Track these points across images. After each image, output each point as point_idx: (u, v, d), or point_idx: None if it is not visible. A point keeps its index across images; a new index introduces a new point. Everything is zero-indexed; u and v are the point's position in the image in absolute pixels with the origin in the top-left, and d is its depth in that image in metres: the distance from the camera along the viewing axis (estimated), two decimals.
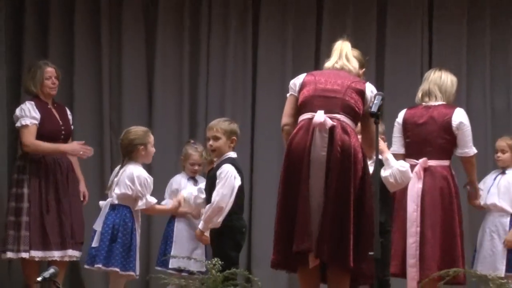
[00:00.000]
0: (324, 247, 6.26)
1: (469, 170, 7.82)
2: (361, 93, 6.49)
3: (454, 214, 7.97)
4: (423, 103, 8.04)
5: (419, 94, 8.21)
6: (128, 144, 7.89)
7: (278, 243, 6.63)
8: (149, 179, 7.76)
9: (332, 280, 6.50)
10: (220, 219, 7.39)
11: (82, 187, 8.98)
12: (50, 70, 8.60)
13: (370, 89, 6.52)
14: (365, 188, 6.40)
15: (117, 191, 7.69)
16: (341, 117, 6.39)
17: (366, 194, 6.41)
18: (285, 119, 6.69)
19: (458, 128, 7.52)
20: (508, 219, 8.87)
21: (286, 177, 6.53)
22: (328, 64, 6.79)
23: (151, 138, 8.05)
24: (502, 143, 8.85)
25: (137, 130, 8.13)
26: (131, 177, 7.66)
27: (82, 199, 8.91)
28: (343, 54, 6.76)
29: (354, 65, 6.75)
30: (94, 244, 7.63)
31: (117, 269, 7.45)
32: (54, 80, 8.64)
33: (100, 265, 7.51)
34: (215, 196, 7.40)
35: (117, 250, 7.66)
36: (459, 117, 7.69)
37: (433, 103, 7.82)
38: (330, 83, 6.58)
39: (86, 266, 7.88)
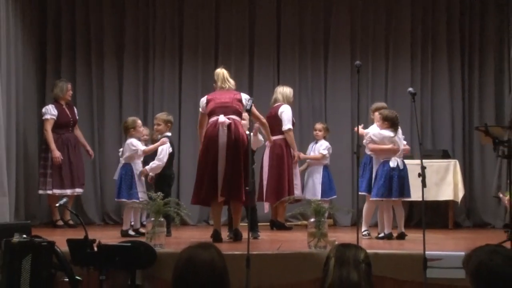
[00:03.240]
0: (227, 190, 8.41)
1: (288, 139, 10.43)
2: (240, 100, 8.68)
3: (284, 166, 10.50)
4: (274, 105, 10.69)
5: (272, 100, 10.81)
6: (125, 128, 9.80)
7: (197, 191, 8.64)
8: (135, 142, 9.46)
9: (233, 207, 8.75)
10: (159, 170, 9.62)
11: (89, 149, 11.00)
12: (69, 86, 10.83)
13: (244, 97, 8.70)
14: (247, 155, 8.20)
15: (124, 155, 9.54)
16: (233, 117, 8.52)
17: (247, 158, 8.20)
18: (200, 124, 8.91)
19: (281, 115, 10.30)
20: (321, 168, 11.04)
21: (204, 152, 8.60)
22: (220, 85, 8.83)
23: (138, 123, 9.78)
24: (318, 125, 11.19)
25: (128, 119, 9.92)
26: (128, 143, 9.47)
27: (90, 154, 10.98)
28: (225, 78, 8.88)
29: (232, 83, 8.93)
30: (116, 189, 9.59)
31: (125, 199, 9.48)
32: (70, 92, 10.85)
33: (116, 199, 9.71)
34: (159, 155, 9.60)
35: (124, 189, 9.50)
36: (282, 108, 10.51)
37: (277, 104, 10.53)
38: (224, 98, 8.66)
39: (116, 199, 9.78)
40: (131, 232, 9.37)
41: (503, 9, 11.70)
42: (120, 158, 9.93)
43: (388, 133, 9.12)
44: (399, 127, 9.21)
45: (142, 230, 9.37)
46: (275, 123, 10.38)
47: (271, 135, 10.18)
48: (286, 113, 10.48)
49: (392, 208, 9.15)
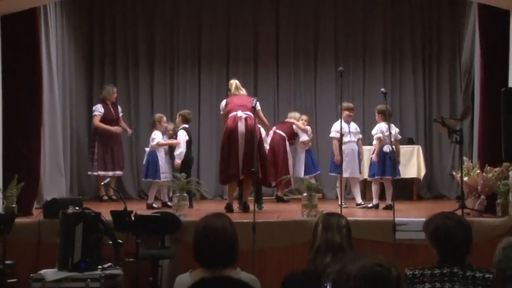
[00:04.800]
0: (246, 171, 8.34)
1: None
2: (250, 101, 8.53)
3: (280, 154, 10.50)
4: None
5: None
6: (151, 123, 10.16)
7: (225, 171, 8.64)
8: (155, 134, 9.72)
9: (246, 184, 8.68)
10: (183, 155, 9.70)
11: (128, 128, 10.90)
12: (115, 90, 10.81)
13: (253, 100, 8.29)
14: (261, 144, 8.65)
15: (151, 144, 9.87)
16: (248, 113, 8.49)
17: (261, 146, 8.63)
18: (224, 121, 8.79)
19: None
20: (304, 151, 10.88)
21: (227, 140, 8.57)
22: (234, 92, 8.93)
23: (163, 119, 10.06)
24: (304, 117, 11.00)
25: (155, 115, 10.27)
26: (152, 136, 9.82)
27: (128, 131, 10.86)
28: (237, 87, 9.03)
29: (243, 90, 9.05)
30: (144, 171, 9.92)
31: (150, 179, 9.84)
32: (115, 94, 10.79)
33: (144, 179, 10.13)
34: (179, 148, 9.71)
35: (150, 171, 9.85)
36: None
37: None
38: (239, 101, 8.72)
39: (143, 179, 10.23)
40: (154, 205, 9.49)
41: (455, 25, 11.63)
42: (145, 148, 10.20)
43: (384, 125, 9.14)
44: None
45: (169, 203, 9.40)
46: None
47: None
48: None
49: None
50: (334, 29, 12.12)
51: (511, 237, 3.14)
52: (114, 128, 10.55)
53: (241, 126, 8.46)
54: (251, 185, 8.66)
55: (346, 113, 9.61)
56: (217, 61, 12.02)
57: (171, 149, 9.97)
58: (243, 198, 8.78)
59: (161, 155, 9.86)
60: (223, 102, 8.92)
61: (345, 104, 9.66)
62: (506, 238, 3.32)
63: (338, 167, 9.14)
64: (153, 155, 9.86)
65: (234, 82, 9.04)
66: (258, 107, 8.54)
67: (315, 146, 11.65)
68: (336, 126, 9.38)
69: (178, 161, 9.67)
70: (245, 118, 8.47)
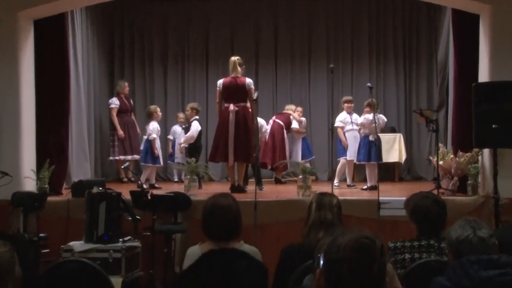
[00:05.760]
0: (237, 156, 8.26)
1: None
2: (244, 85, 8.25)
3: (277, 141, 10.37)
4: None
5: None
6: (148, 113, 10.19)
7: (211, 154, 8.59)
8: (152, 125, 9.76)
9: (239, 168, 8.47)
10: (191, 140, 9.77)
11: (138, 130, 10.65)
12: (126, 84, 10.81)
13: (247, 81, 8.25)
14: (251, 131, 8.18)
15: (148, 134, 9.92)
16: (241, 105, 8.20)
17: (251, 132, 8.18)
18: (219, 98, 8.42)
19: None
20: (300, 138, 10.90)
21: (219, 129, 8.39)
22: (231, 73, 8.32)
23: (158, 109, 10.10)
24: (299, 108, 10.87)
25: (150, 107, 10.31)
26: (148, 126, 9.90)
27: (139, 132, 10.64)
28: (235, 65, 8.33)
29: (239, 70, 8.31)
30: (142, 156, 10.02)
31: (150, 164, 9.96)
32: (127, 88, 10.77)
33: (142, 163, 10.08)
34: (191, 132, 9.76)
35: (149, 156, 9.98)
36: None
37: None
38: (232, 89, 8.23)
39: (141, 163, 10.15)
40: (144, 186, 9.20)
41: (432, 28, 11.57)
42: (143, 136, 10.25)
43: (370, 116, 9.00)
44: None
45: (156, 185, 9.68)
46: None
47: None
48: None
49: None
50: (326, 31, 12.08)
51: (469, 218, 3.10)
52: (120, 133, 10.33)
53: (232, 119, 8.19)
54: (244, 170, 8.54)
55: (346, 105, 9.70)
56: (223, 59, 11.66)
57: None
58: (238, 180, 8.50)
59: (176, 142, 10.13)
60: (220, 82, 8.48)
61: (345, 98, 9.79)
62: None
63: (345, 151, 9.40)
64: (150, 143, 9.96)
65: (232, 61, 8.44)
66: (254, 98, 8.22)
67: (309, 134, 11.61)
68: (340, 117, 9.55)
69: (183, 144, 9.75)
70: (237, 112, 8.21)
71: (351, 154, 9.59)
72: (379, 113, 9.33)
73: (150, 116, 10.06)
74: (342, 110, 9.77)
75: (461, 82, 8.02)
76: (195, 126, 9.79)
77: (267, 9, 12.08)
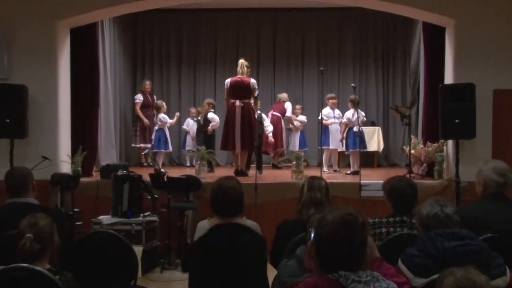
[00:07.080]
0: (242, 145, 8.17)
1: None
2: (249, 85, 8.14)
3: (277, 131, 10.18)
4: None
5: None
6: (156, 107, 10.14)
7: (222, 143, 8.40)
8: (163, 117, 9.75)
9: (242, 155, 8.39)
10: (216, 126, 9.58)
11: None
12: (147, 82, 10.69)
13: (252, 81, 8.11)
14: (254, 124, 8.20)
15: (161, 123, 9.95)
16: (245, 101, 8.10)
17: (254, 124, 8.18)
18: (226, 96, 8.30)
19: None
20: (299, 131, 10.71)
21: (227, 121, 8.27)
22: (238, 73, 8.23)
23: (164, 104, 10.07)
24: (297, 106, 10.77)
25: (157, 102, 10.21)
26: (160, 117, 9.88)
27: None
28: (242, 66, 8.21)
29: (245, 70, 8.17)
30: (155, 143, 9.93)
31: (162, 150, 10.00)
32: (149, 86, 10.57)
33: (154, 150, 9.95)
34: (214, 121, 9.59)
35: (163, 143, 9.96)
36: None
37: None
38: (239, 88, 8.09)
39: (154, 150, 10.00)
40: (162, 170, 9.20)
41: (406, 38, 11.42)
42: (155, 127, 10.14)
43: (352, 111, 8.93)
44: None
45: (162, 170, 9.04)
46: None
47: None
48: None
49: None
50: (317, 39, 11.91)
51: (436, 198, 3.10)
52: (145, 121, 10.17)
53: (238, 113, 8.07)
54: (246, 157, 8.43)
55: (330, 101, 9.54)
56: (229, 62, 11.70)
57: (199, 128, 10.02)
58: (241, 165, 8.39)
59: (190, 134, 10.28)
60: (228, 81, 8.33)
61: (329, 95, 9.65)
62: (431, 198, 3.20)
63: (327, 141, 9.23)
64: (162, 131, 9.97)
65: (240, 63, 8.30)
66: (256, 95, 8.18)
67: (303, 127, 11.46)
68: (324, 111, 9.33)
69: (210, 128, 9.67)
70: (242, 107, 8.08)
71: (335, 143, 9.41)
72: (359, 110, 9.20)
73: (158, 110, 10.03)
74: (330, 105, 9.66)
75: (430, 83, 7.96)
76: (215, 117, 9.77)
77: (268, 20, 11.89)
